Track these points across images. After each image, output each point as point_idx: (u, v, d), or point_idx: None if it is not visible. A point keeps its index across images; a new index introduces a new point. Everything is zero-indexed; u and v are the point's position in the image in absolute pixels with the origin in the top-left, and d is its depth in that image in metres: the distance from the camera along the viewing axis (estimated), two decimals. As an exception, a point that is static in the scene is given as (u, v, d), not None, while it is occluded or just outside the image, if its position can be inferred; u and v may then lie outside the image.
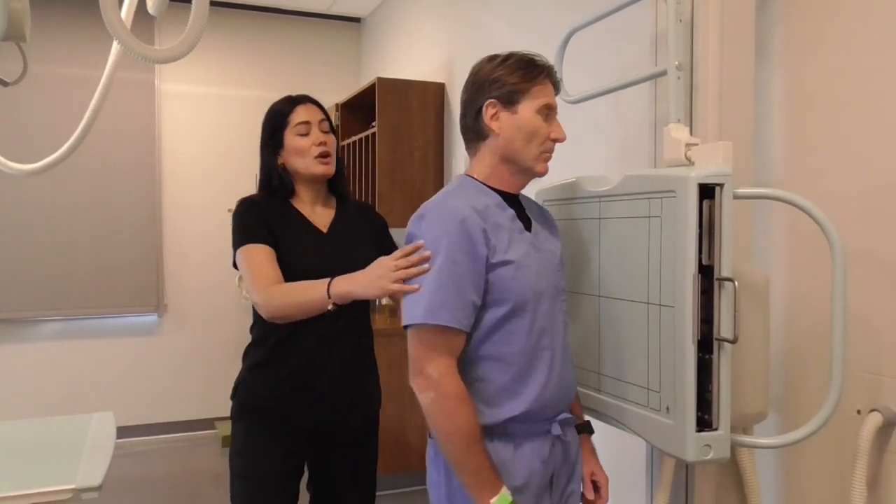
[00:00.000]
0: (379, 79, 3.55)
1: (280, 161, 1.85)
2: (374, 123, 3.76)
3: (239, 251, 1.75)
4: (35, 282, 4.28)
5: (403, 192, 3.63)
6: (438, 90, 3.67)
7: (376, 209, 3.54)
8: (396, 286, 1.41)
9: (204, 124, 4.67)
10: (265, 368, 1.80)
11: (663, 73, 1.58)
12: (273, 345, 1.78)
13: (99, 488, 1.82)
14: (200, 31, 2.33)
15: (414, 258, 1.39)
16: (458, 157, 3.59)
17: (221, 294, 4.65)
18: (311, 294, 1.61)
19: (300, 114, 1.83)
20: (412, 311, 1.36)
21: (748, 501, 1.64)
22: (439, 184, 3.71)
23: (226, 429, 4.41)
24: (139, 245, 4.49)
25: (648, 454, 1.92)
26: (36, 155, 2.43)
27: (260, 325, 1.80)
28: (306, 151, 1.80)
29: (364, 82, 4.88)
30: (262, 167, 1.89)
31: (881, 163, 1.51)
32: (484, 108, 1.43)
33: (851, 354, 1.57)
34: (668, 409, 1.44)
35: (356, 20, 4.99)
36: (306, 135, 1.82)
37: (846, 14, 1.57)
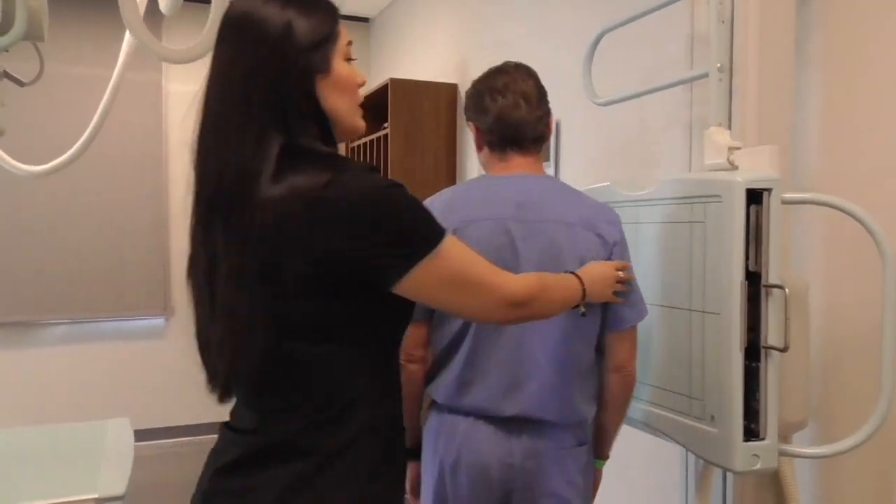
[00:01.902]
0: (392, 79, 3.51)
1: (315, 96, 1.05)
2: (385, 125, 3.73)
3: (445, 246, 1.03)
4: (41, 285, 4.22)
5: (416, 194, 3.58)
6: (451, 91, 3.64)
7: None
8: (612, 295, 1.40)
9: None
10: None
11: (704, 76, 1.55)
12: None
13: (122, 497, 1.79)
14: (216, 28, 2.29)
15: (629, 266, 1.44)
16: (472, 160, 3.56)
17: (228, 296, 4.61)
18: (570, 292, 1.26)
19: (346, 32, 1.09)
20: (640, 310, 1.47)
21: (788, 510, 1.61)
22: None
23: (234, 432, 4.37)
24: (146, 247, 4.44)
25: (684, 463, 1.89)
26: (40, 156, 2.40)
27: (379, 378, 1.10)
28: (354, 90, 1.10)
29: (374, 83, 4.86)
30: (279, 102, 1.01)
31: (926, 167, 1.49)
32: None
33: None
34: (712, 417, 1.41)
35: (365, 20, 4.95)
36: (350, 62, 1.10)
37: (886, 15, 1.54)
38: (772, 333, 1.36)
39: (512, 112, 1.46)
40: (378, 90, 3.72)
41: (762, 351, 1.36)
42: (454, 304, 1.07)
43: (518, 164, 1.48)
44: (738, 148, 1.48)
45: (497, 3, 3.32)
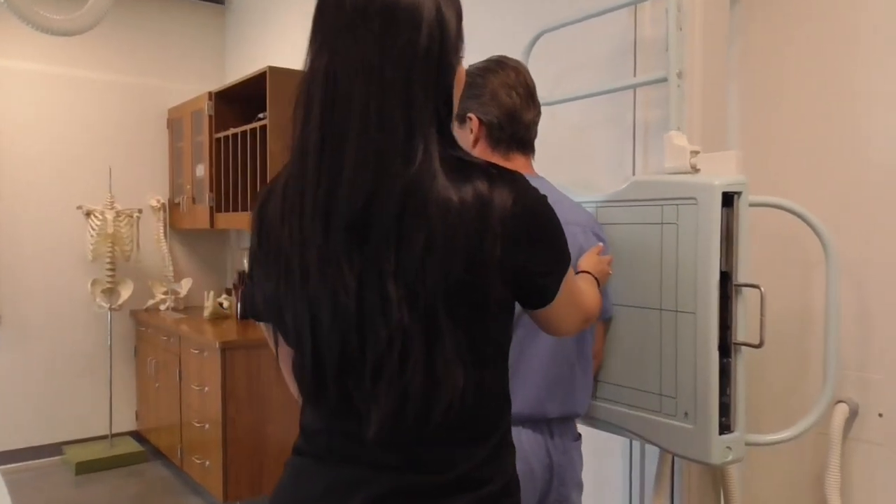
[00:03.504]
0: (270, 68, 3.29)
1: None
2: (261, 115, 3.49)
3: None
4: None
5: (297, 190, 3.40)
6: (332, 83, 3.48)
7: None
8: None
9: (49, 109, 4.07)
10: None
11: (663, 80, 1.59)
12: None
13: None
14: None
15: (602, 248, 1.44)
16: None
17: (66, 302, 4.09)
18: (595, 290, 1.28)
19: None
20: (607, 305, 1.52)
21: (730, 499, 1.71)
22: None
23: (77, 454, 3.90)
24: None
25: (627, 457, 1.95)
26: None
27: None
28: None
29: (231, 70, 4.54)
30: (434, 98, 0.92)
31: (835, 169, 1.64)
32: None
33: (815, 349, 1.70)
34: (686, 413, 1.45)
35: (220, 1, 4.61)
36: None
37: (801, 23, 1.68)
38: (740, 330, 1.43)
39: (525, 111, 1.41)
40: (253, 79, 3.47)
41: (733, 347, 1.43)
42: (553, 320, 1.05)
43: (520, 165, 1.43)
44: (697, 152, 1.54)
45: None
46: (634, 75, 1.82)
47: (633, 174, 1.88)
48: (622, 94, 1.85)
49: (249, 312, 1.03)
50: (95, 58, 4.20)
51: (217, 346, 3.19)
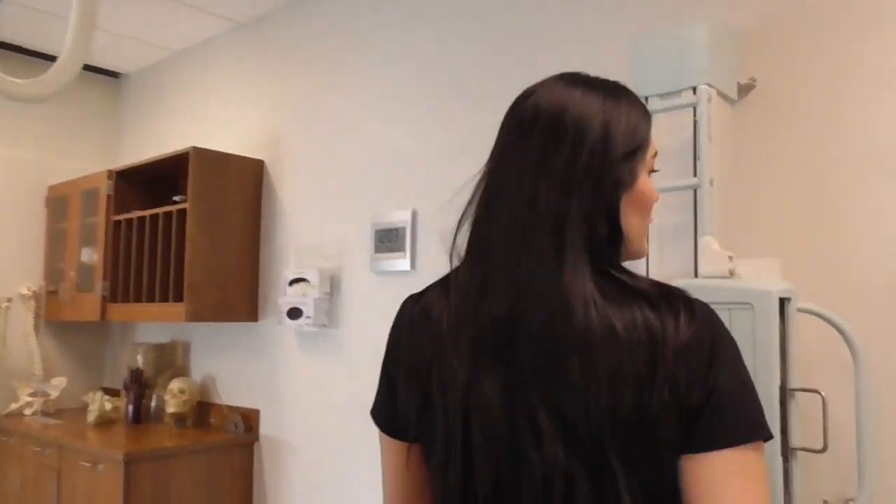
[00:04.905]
0: (194, 148, 3.06)
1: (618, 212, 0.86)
2: (176, 198, 3.22)
3: None
4: None
5: (218, 283, 3.13)
6: (258, 167, 3.30)
7: (184, 300, 3.00)
8: None
9: None
10: None
11: (696, 186, 1.64)
12: None
13: None
14: (78, 63, 1.77)
15: None
16: (274, 246, 3.23)
17: None
18: None
19: (653, 141, 0.91)
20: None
21: None
22: (255, 276, 3.28)
23: None
24: None
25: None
26: None
27: None
28: (651, 210, 0.91)
29: (127, 147, 4.20)
30: (589, 216, 0.81)
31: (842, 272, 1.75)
32: None
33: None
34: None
35: (115, 75, 4.29)
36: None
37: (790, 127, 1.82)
38: (795, 435, 1.44)
39: None
40: (168, 159, 3.21)
41: (791, 452, 1.43)
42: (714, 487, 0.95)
43: None
44: (732, 257, 1.58)
45: (314, 71, 3.14)
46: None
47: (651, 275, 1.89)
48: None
49: (389, 425, 0.94)
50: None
51: (120, 457, 2.76)
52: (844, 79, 1.76)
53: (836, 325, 1.54)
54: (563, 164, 0.80)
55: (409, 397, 0.88)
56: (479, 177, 0.88)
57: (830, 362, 1.63)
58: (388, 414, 0.93)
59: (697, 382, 0.75)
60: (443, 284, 0.89)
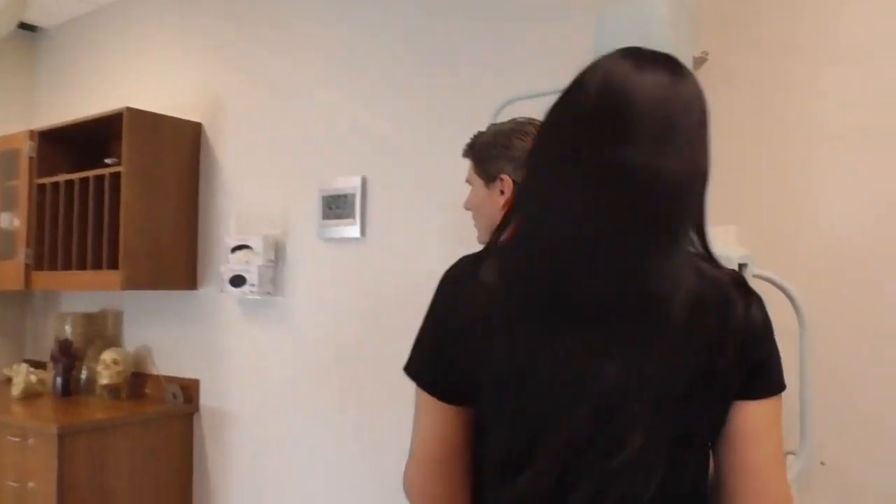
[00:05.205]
0: (128, 109, 2.91)
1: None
2: (108, 160, 3.06)
3: None
4: None
5: (155, 250, 3.01)
6: (195, 130, 3.18)
7: (119, 267, 2.88)
8: None
9: None
10: None
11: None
12: None
13: None
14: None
15: None
16: (214, 212, 3.13)
17: None
18: None
19: None
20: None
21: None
22: (193, 243, 3.17)
23: None
24: None
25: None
26: None
27: None
28: None
29: (46, 107, 3.95)
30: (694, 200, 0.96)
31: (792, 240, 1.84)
32: None
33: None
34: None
35: (31, 28, 4.01)
36: None
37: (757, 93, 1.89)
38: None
39: None
40: (97, 120, 3.04)
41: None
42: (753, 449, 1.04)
43: None
44: (690, 225, 1.64)
45: (256, 32, 3.04)
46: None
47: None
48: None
49: (436, 387, 0.92)
50: None
51: (53, 430, 2.65)
52: (794, 52, 1.84)
53: (784, 289, 1.63)
54: (694, 152, 0.85)
55: (462, 361, 0.87)
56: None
57: (781, 329, 1.72)
58: (435, 375, 0.91)
59: (755, 347, 0.90)
60: (502, 250, 0.90)
